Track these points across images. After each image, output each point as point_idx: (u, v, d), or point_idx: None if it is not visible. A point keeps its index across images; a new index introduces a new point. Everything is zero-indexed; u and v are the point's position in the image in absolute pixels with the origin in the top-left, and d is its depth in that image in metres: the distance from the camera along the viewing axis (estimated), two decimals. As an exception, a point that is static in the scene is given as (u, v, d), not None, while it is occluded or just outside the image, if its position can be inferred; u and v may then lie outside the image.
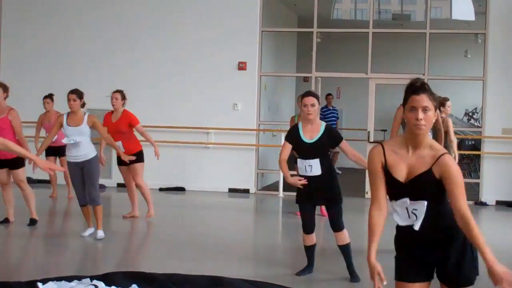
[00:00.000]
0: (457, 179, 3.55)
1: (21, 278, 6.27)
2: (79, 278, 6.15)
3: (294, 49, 17.94)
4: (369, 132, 13.85)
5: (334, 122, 16.49)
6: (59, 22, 14.52)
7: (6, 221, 9.46)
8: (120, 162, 9.90)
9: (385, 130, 17.17)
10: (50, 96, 11.62)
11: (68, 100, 8.56)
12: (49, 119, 11.39)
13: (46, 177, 12.57)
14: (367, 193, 13.62)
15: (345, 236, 6.84)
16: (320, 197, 6.77)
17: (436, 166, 3.57)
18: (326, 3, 16.86)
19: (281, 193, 13.62)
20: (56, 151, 11.48)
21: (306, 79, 15.94)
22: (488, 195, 13.14)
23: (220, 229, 10.15)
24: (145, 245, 8.92)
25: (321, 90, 14.47)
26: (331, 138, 6.63)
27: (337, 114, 17.31)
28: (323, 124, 6.68)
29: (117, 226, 9.76)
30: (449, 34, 15.39)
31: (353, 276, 6.90)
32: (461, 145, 14.48)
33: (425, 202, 3.65)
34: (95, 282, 5.99)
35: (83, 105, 8.67)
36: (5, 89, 9.17)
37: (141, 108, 14.10)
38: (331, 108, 17.07)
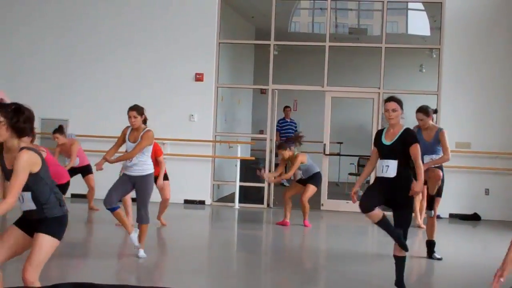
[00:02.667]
0: None
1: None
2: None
3: (251, 61, 17.96)
4: (325, 144, 13.92)
5: (291, 135, 16.50)
6: (20, 38, 14.38)
7: None
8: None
9: (341, 143, 17.28)
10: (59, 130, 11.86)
11: (129, 117, 8.46)
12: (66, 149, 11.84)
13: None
14: (322, 205, 13.68)
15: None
16: (390, 199, 6.62)
17: None
18: (284, 16, 16.93)
19: (237, 204, 13.59)
20: (79, 171, 11.96)
21: (263, 91, 15.97)
22: (441, 208, 13.20)
23: (175, 240, 10.07)
24: (96, 256, 8.78)
25: (278, 102, 14.50)
26: (406, 140, 6.63)
27: (296, 126, 17.33)
28: (403, 128, 6.74)
29: (68, 237, 9.60)
30: (404, 49, 15.56)
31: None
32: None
33: None
34: (43, 293, 5.87)
35: (144, 121, 8.48)
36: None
37: (98, 119, 13.99)
38: (289, 120, 17.03)
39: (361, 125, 17.62)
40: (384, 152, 6.66)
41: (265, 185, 13.96)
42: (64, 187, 9.89)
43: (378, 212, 6.60)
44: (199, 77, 13.91)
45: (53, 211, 4.85)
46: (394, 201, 6.59)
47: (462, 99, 13.28)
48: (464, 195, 12.89)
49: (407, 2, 15.37)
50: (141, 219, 8.36)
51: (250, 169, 15.45)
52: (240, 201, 13.66)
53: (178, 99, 13.87)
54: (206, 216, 13.05)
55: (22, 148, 4.62)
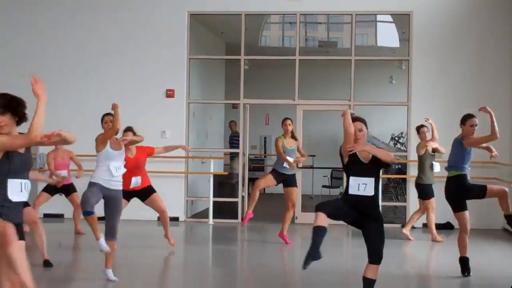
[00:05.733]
0: None
1: None
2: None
3: (222, 76, 17.98)
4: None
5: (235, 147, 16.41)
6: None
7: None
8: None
9: (314, 156, 17.32)
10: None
11: (106, 122, 8.72)
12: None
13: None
14: (296, 218, 13.67)
15: (377, 270, 6.34)
16: (361, 217, 6.28)
17: None
18: (254, 31, 16.97)
19: (211, 220, 13.54)
20: (62, 189, 11.54)
21: (234, 106, 15.97)
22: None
23: (149, 258, 10.00)
24: (68, 276, 8.68)
25: (250, 117, 14.51)
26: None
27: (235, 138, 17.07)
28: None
29: (40, 258, 9.50)
30: (374, 61, 15.69)
31: None
32: (388, 169, 14.66)
33: None
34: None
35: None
36: None
37: (67, 136, 13.86)
38: (232, 134, 16.80)
39: (333, 137, 17.70)
40: (360, 169, 6.31)
41: (239, 199, 13.94)
42: None
43: (326, 219, 6.13)
44: (170, 94, 13.89)
45: None
46: (366, 217, 6.27)
47: (432, 109, 13.38)
48: (437, 204, 12.93)
49: (375, 14, 15.48)
50: (113, 235, 8.05)
51: (224, 184, 15.42)
52: (214, 217, 13.61)
53: (149, 115, 13.80)
54: (180, 232, 12.97)
55: None
